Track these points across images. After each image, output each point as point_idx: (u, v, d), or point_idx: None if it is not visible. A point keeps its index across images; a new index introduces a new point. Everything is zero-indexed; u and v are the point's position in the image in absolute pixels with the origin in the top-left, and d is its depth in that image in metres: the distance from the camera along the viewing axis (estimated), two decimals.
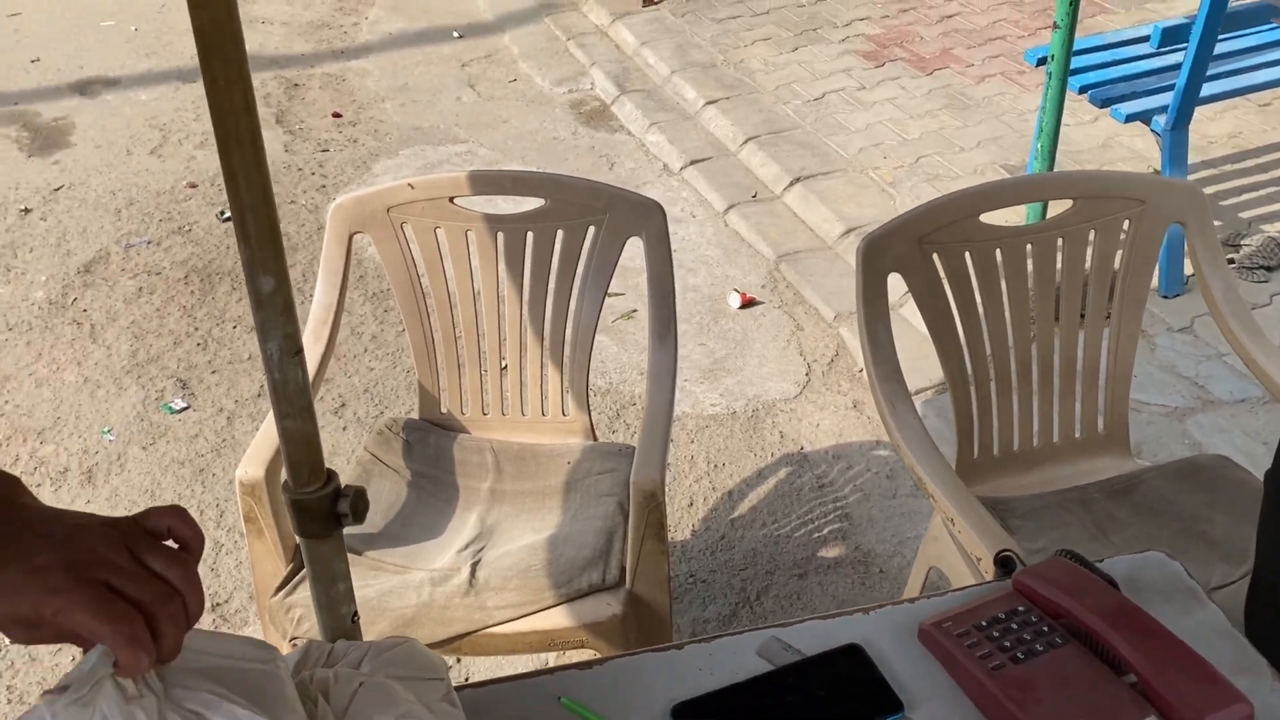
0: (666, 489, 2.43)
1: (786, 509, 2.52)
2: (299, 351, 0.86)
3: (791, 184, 3.75)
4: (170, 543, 0.72)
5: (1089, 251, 1.75)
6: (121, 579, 0.66)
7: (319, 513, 0.92)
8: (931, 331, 1.70)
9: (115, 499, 2.61)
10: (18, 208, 3.96)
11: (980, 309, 1.72)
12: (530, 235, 1.88)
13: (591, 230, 1.87)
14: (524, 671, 1.02)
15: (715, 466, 2.65)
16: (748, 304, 3.24)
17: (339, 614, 0.99)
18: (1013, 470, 1.79)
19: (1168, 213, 1.74)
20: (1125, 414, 1.82)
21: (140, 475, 2.68)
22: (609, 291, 1.91)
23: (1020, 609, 1.00)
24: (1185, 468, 1.78)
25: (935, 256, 1.68)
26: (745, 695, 0.98)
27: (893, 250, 1.64)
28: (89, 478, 2.68)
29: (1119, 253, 1.75)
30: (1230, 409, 2.65)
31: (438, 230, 1.89)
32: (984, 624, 0.99)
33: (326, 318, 1.89)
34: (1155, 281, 3.00)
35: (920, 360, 2.29)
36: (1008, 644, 0.96)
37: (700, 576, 2.34)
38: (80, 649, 0.68)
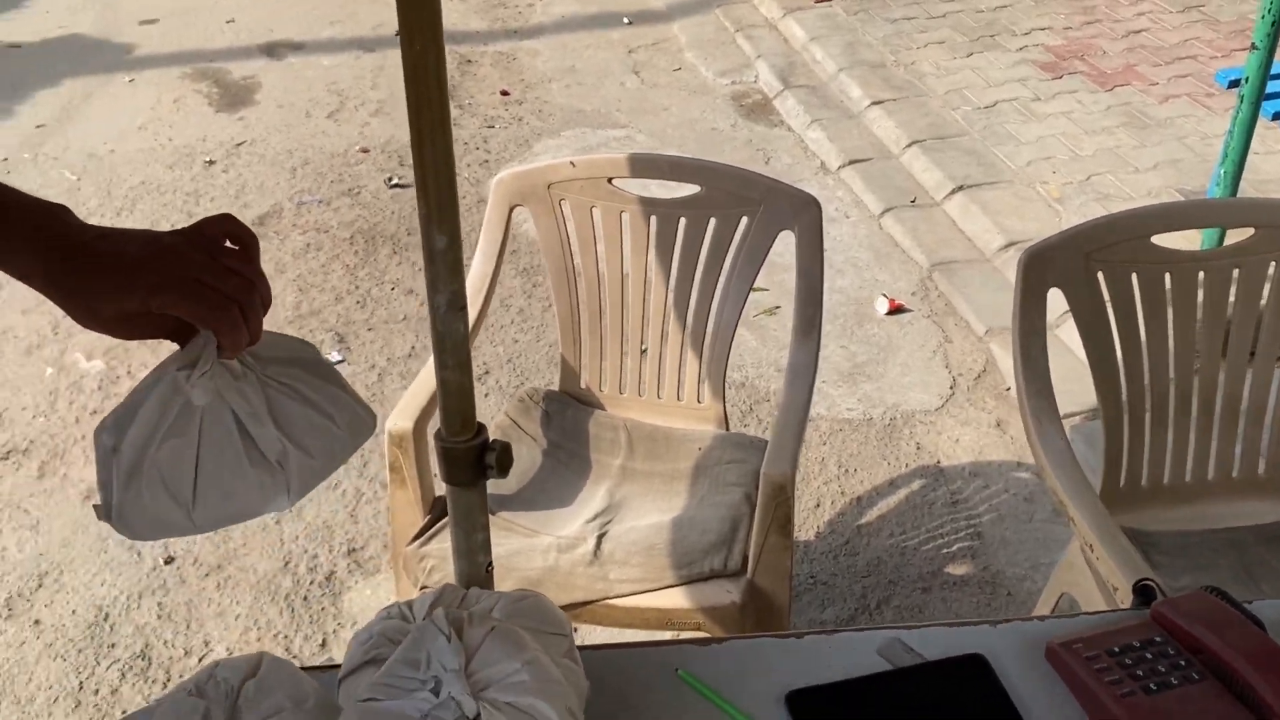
0: (796, 487, 2.43)
1: (916, 521, 2.48)
2: (463, 307, 0.90)
3: (953, 192, 3.67)
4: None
5: (1267, 285, 1.66)
6: (210, 275, 0.76)
7: (467, 462, 0.96)
8: (1089, 352, 1.64)
9: None
10: (203, 159, 4.22)
11: (1142, 334, 1.65)
12: (683, 221, 1.91)
13: (744, 220, 1.88)
14: (644, 640, 1.05)
15: (846, 471, 2.62)
16: (895, 310, 3.19)
17: (475, 562, 1.03)
18: (1160, 503, 1.72)
19: None
20: None
21: None
22: (754, 287, 1.92)
23: (1157, 639, 0.96)
24: None
25: (1100, 275, 1.62)
26: (862, 691, 0.98)
27: (1056, 264, 1.60)
28: None
29: None
30: None
31: (594, 209, 1.93)
32: (1117, 650, 0.96)
33: (481, 287, 1.95)
34: None
35: (1072, 383, 2.22)
36: (1140, 673, 0.93)
37: (821, 579, 2.33)
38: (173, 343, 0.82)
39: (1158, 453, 1.71)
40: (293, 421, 0.85)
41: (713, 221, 1.89)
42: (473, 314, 1.91)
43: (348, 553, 2.41)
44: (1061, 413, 2.52)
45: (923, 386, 2.91)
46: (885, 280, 3.36)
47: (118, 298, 0.74)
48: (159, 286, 0.74)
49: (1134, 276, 1.63)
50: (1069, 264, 1.61)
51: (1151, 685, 0.92)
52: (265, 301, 0.80)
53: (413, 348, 3.13)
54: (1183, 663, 0.94)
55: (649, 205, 1.92)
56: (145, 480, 0.83)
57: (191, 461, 0.84)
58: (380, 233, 3.71)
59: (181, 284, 0.74)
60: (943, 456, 2.67)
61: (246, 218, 3.78)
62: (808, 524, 2.48)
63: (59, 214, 0.77)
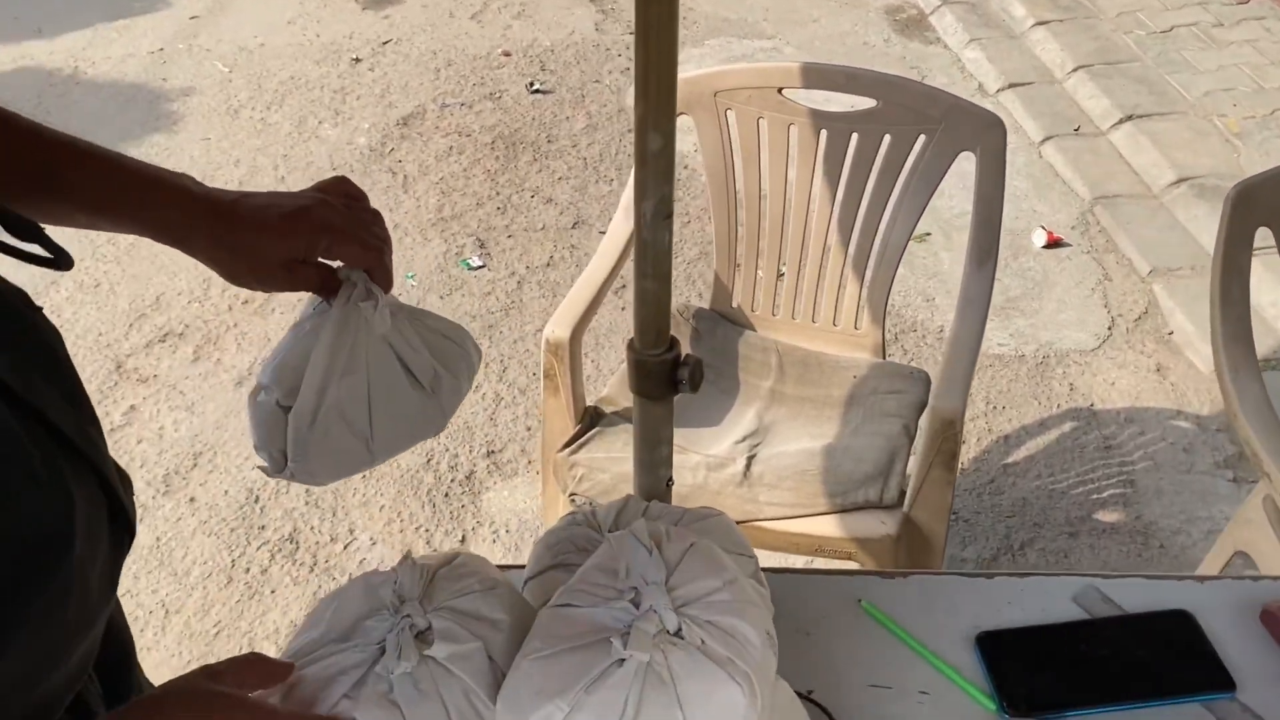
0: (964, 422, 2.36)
1: (1066, 464, 2.38)
2: (670, 214, 0.87)
3: (1121, 121, 3.46)
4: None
5: None
6: (357, 223, 0.83)
7: (660, 376, 0.94)
8: None
9: None
10: (350, 56, 4.25)
11: None
12: (855, 136, 1.82)
13: (921, 139, 1.79)
14: (826, 568, 1.02)
15: (994, 408, 2.54)
16: (1053, 244, 3.04)
17: (657, 475, 1.02)
18: None
19: None
20: None
21: None
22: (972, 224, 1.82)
23: None
24: None
25: None
26: (1059, 638, 0.93)
27: (1271, 201, 1.48)
28: None
29: None
30: None
31: (760, 120, 1.86)
32: None
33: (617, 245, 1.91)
34: None
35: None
36: None
37: (964, 516, 2.27)
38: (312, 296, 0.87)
39: None
40: (435, 347, 0.91)
41: (887, 138, 1.81)
42: (631, 221, 1.88)
43: (487, 454, 2.45)
44: None
45: (1079, 325, 2.78)
46: (1044, 212, 3.20)
47: (285, 246, 0.80)
48: (322, 232, 0.81)
49: None
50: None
51: None
52: (389, 249, 0.87)
53: (550, 257, 3.12)
54: None
55: (820, 119, 1.84)
56: (326, 423, 0.86)
57: (364, 395, 0.87)
58: (521, 139, 3.69)
59: (340, 230, 0.81)
60: (1097, 399, 2.55)
61: (391, 118, 3.81)
62: None
63: (191, 182, 0.81)
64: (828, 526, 1.60)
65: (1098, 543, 2.20)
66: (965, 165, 1.80)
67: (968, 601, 0.98)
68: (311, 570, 2.19)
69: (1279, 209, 1.49)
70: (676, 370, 0.93)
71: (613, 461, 1.69)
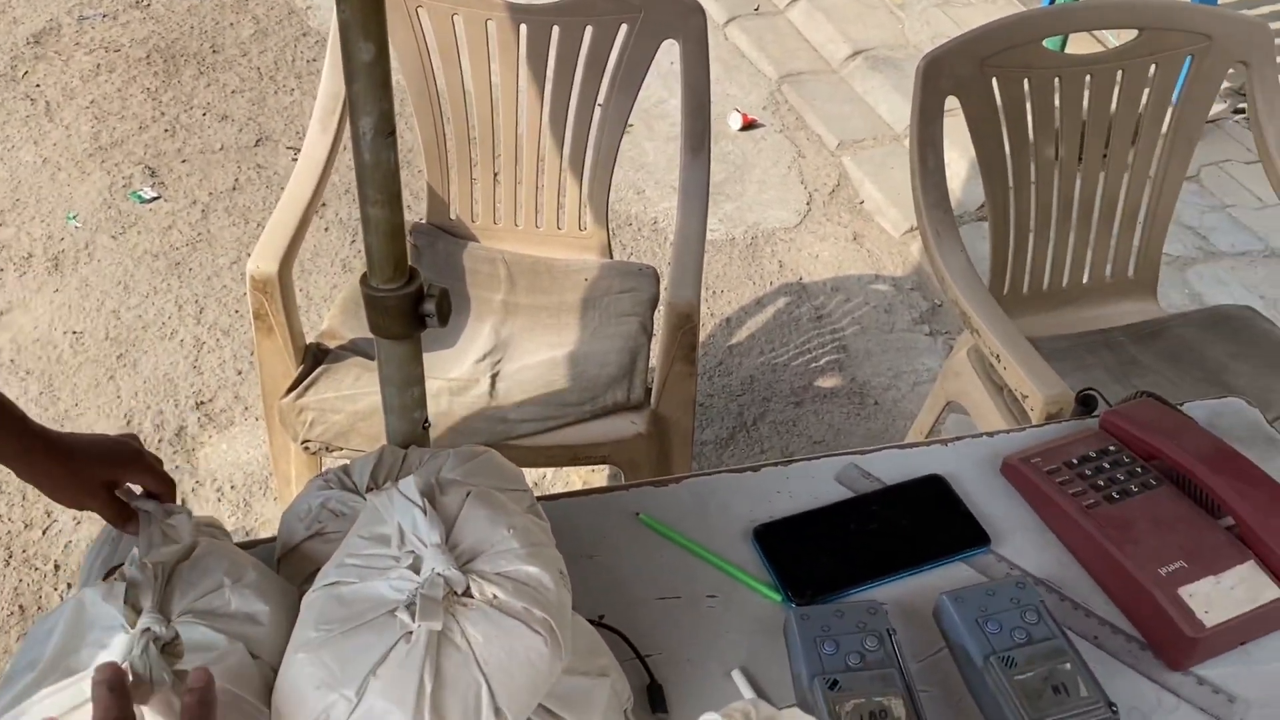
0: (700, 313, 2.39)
1: (784, 338, 2.49)
2: (392, 132, 0.77)
3: None
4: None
5: (1147, 89, 1.67)
6: (156, 460, 0.93)
7: (402, 312, 0.85)
8: (981, 160, 1.63)
9: (86, 289, 2.49)
10: None
11: (1031, 140, 1.65)
12: (556, 30, 1.75)
13: (624, 29, 1.74)
14: (599, 486, 0.99)
15: (714, 293, 2.60)
16: (749, 126, 3.12)
17: (412, 419, 0.94)
18: (1040, 309, 1.76)
19: (1233, 51, 1.67)
20: (1158, 259, 1.79)
21: (111, 265, 2.55)
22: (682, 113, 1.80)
23: (1111, 448, 0.98)
24: (1211, 317, 1.77)
25: (994, 81, 1.59)
26: (828, 520, 0.96)
27: (954, 71, 1.55)
28: (56, 265, 2.55)
29: (1175, 90, 1.68)
30: (1231, 261, 2.65)
31: (455, 17, 1.75)
32: (1074, 461, 0.97)
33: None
34: None
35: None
36: (1100, 483, 0.94)
37: (698, 400, 2.32)
38: None
39: (1040, 258, 1.74)
40: None
41: (589, 30, 1.74)
42: (328, 139, 1.73)
43: (196, 406, 2.23)
44: (909, 224, 2.54)
45: (780, 203, 2.89)
46: (736, 94, 3.27)
47: (103, 472, 0.87)
48: (132, 463, 0.89)
49: (1025, 82, 1.61)
50: (966, 70, 1.57)
51: (1114, 494, 0.93)
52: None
53: (236, 180, 2.85)
54: (1139, 470, 0.95)
55: (517, 13, 1.74)
56: None
57: None
58: (181, 50, 3.32)
59: (143, 462, 0.90)
60: (804, 273, 2.67)
61: (19, 36, 3.31)
62: None
63: (22, 414, 0.86)
64: (581, 434, 1.58)
65: (821, 408, 2.33)
66: (659, 53, 1.77)
67: (739, 497, 0.98)
68: (7, 564, 1.93)
69: (962, 77, 1.57)
70: (420, 303, 0.85)
71: (345, 400, 1.58)
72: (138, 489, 0.90)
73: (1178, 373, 1.68)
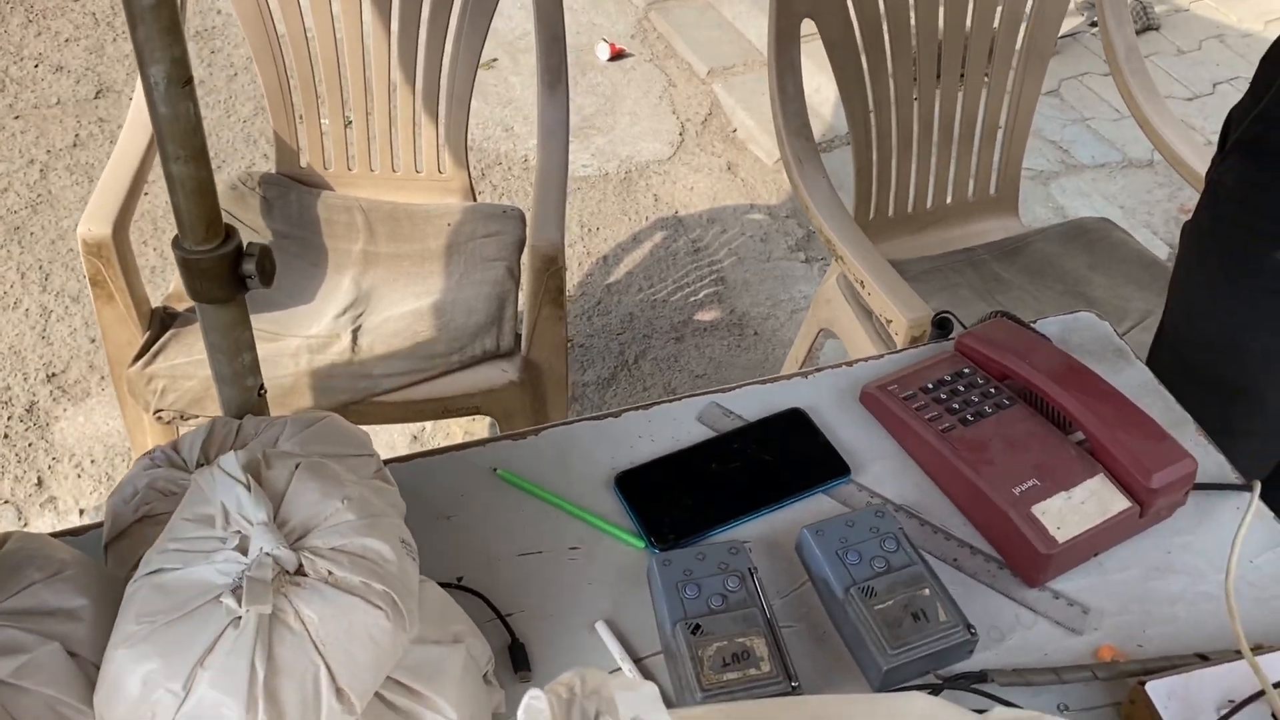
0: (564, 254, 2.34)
1: (663, 273, 2.47)
2: (189, 81, 0.71)
3: None
4: None
5: (999, 5, 1.67)
6: None
7: (219, 274, 0.79)
8: (841, 86, 1.61)
9: None
10: None
11: (889, 61, 1.64)
12: None
13: None
14: (455, 444, 0.95)
15: (589, 230, 2.56)
16: (617, 56, 3.06)
17: (244, 387, 0.88)
18: (906, 232, 1.78)
19: None
20: (1018, 175, 1.82)
21: None
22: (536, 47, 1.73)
23: (965, 370, 0.98)
24: (1070, 230, 1.80)
25: (849, 1, 1.57)
26: (690, 461, 0.94)
27: None
28: None
29: (1028, 3, 1.69)
30: (1091, 173, 2.71)
31: None
32: (930, 386, 0.97)
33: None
34: None
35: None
36: (955, 406, 0.94)
37: (578, 341, 2.29)
38: None
39: (903, 181, 1.74)
40: None
41: None
42: None
43: (48, 379, 2.11)
44: None
45: (653, 135, 2.84)
46: (602, 24, 3.20)
47: None
48: None
49: (880, 0, 1.59)
50: None
51: (968, 416, 0.93)
52: None
53: (76, 136, 2.68)
54: (993, 390, 0.96)
55: None
56: None
57: None
58: None
59: None
60: (679, 206, 2.65)
61: None
62: None
63: None
64: (450, 386, 1.53)
65: (702, 342, 2.32)
66: None
67: (601, 445, 0.95)
68: None
69: (818, 0, 1.55)
70: (240, 263, 0.79)
71: (197, 365, 1.50)
72: None
73: (1039, 287, 1.71)
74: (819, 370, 1.04)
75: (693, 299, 2.41)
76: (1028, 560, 0.86)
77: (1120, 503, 0.86)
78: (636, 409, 0.99)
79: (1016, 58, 1.72)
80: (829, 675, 0.81)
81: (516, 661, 0.80)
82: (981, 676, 0.80)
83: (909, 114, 1.68)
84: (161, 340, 1.53)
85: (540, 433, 0.96)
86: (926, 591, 0.81)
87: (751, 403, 1.00)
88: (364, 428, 0.87)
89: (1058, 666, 0.80)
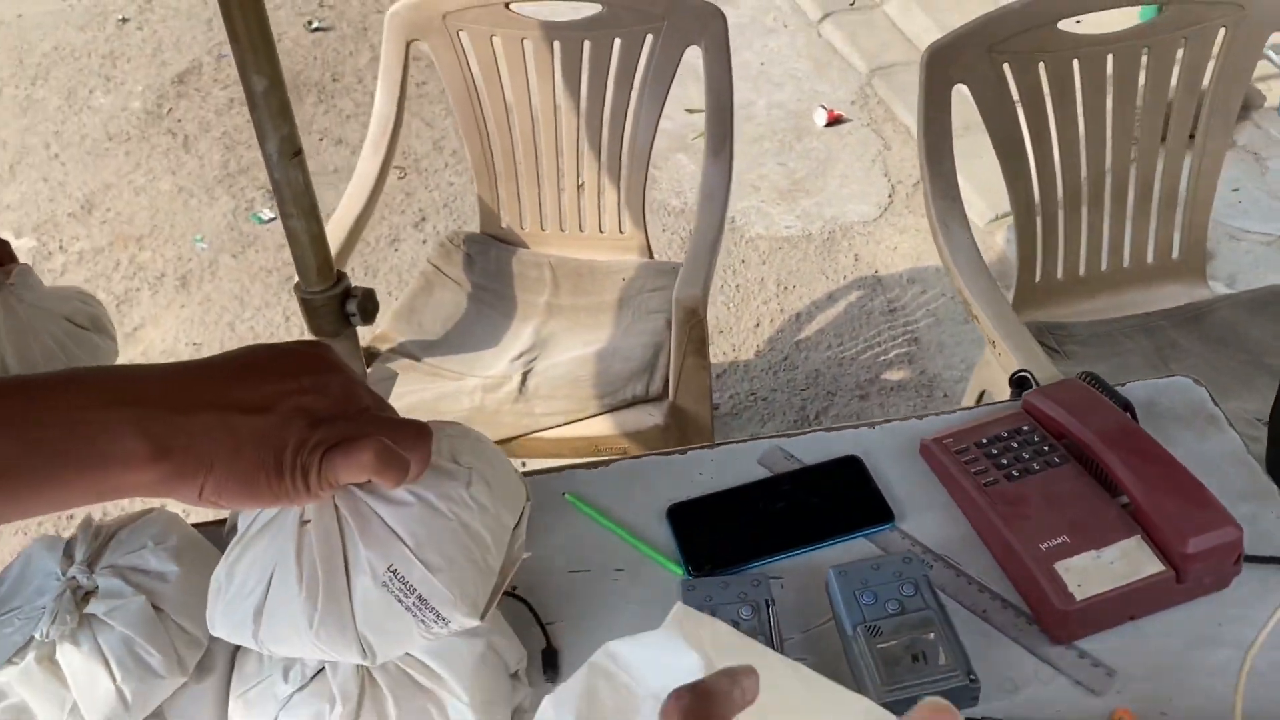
0: (733, 310, 2.44)
1: (854, 331, 2.50)
2: (298, 152, 0.88)
3: None
4: None
5: (1176, 66, 1.62)
6: None
7: (329, 312, 0.96)
8: (997, 149, 1.62)
9: (208, 304, 2.74)
10: (116, 17, 4.03)
11: (1051, 125, 1.63)
12: (587, 44, 1.84)
13: (649, 38, 1.82)
14: (537, 469, 1.07)
15: (785, 289, 2.63)
16: (834, 121, 3.13)
17: None
18: (1077, 296, 1.73)
19: (1271, 19, 1.60)
20: (1203, 239, 1.73)
21: (230, 282, 2.80)
22: (690, 108, 1.87)
23: (1024, 428, 0.99)
24: (1262, 297, 1.69)
25: (1006, 67, 1.58)
26: (740, 498, 1.00)
27: (960, 59, 1.56)
28: (183, 283, 2.81)
29: (1210, 65, 1.62)
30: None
31: (494, 38, 1.86)
32: (984, 441, 0.98)
33: (386, 129, 1.90)
34: (1276, 99, 2.79)
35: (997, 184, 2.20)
36: (1004, 462, 0.95)
37: (761, 395, 2.36)
38: None
39: (1073, 244, 1.71)
40: (70, 299, 1.04)
41: (618, 42, 1.83)
42: (379, 158, 1.87)
43: None
44: (995, 213, 2.51)
45: (861, 197, 2.88)
46: (825, 91, 3.28)
47: None
48: None
49: (1041, 66, 1.59)
50: (973, 58, 1.57)
51: (1014, 472, 0.94)
52: None
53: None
54: (1046, 448, 0.96)
55: (550, 30, 1.84)
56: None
57: (55, 348, 1.02)
58: (304, 81, 3.59)
59: None
60: (880, 266, 2.67)
61: (165, 77, 3.65)
62: (747, 344, 2.50)
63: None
64: (601, 426, 1.66)
65: (887, 401, 2.33)
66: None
67: (664, 479, 1.04)
68: None
69: (971, 65, 1.57)
70: (346, 303, 0.95)
71: (391, 399, 1.71)
72: None
73: (1219, 356, 1.62)
74: (888, 421, 1.07)
75: (882, 358, 2.43)
76: (1049, 615, 0.86)
77: (1153, 565, 0.85)
78: (702, 448, 1.06)
79: (1199, 119, 1.65)
80: None
81: (548, 665, 0.90)
82: None
83: (1076, 178, 1.66)
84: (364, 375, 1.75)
85: (610, 464, 1.06)
86: (931, 635, 0.83)
87: (814, 449, 1.05)
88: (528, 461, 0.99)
89: None
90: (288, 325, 2.64)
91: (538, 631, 0.92)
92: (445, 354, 1.82)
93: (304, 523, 0.69)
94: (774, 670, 0.53)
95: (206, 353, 2.61)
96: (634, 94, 1.86)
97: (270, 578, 0.69)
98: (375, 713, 0.80)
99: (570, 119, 1.89)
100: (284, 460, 0.58)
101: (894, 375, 2.38)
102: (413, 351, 1.81)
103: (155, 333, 2.67)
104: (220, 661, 0.84)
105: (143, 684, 0.78)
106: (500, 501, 0.75)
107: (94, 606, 0.78)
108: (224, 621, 0.71)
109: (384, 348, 1.82)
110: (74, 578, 0.79)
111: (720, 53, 1.80)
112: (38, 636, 0.77)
